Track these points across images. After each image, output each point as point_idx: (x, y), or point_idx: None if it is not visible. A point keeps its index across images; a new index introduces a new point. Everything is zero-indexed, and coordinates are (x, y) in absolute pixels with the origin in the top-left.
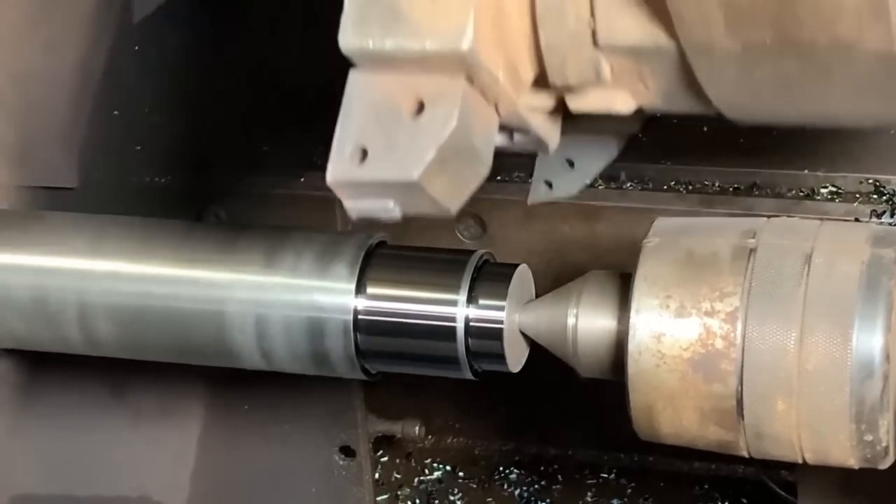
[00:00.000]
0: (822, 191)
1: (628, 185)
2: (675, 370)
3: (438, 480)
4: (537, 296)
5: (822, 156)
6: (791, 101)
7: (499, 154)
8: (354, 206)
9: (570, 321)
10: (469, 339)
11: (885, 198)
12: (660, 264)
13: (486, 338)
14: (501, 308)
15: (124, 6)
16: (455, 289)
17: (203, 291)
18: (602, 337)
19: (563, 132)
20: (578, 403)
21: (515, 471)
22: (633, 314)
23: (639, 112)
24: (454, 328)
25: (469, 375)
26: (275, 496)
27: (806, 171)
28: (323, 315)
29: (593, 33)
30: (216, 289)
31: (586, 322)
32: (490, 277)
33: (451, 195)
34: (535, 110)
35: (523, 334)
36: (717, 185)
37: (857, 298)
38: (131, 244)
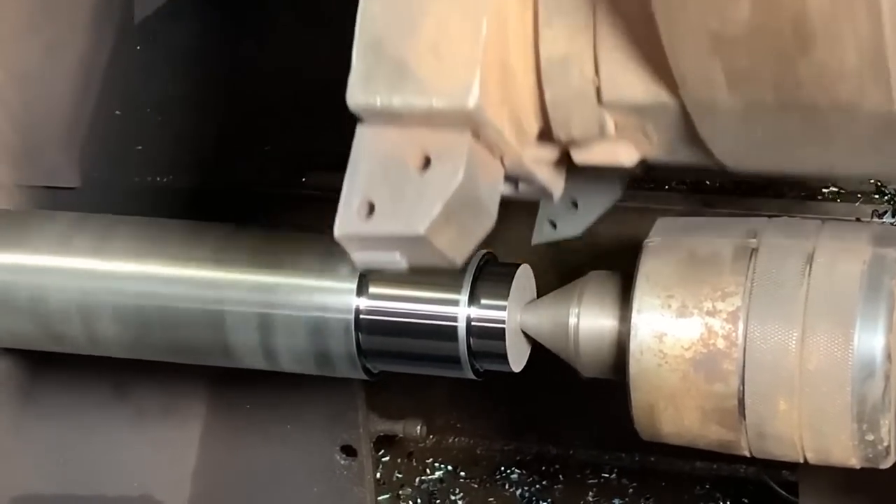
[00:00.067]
0: (824, 191)
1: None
2: (676, 370)
3: (440, 480)
4: (539, 295)
5: None
6: (792, 157)
7: (504, 203)
8: (361, 257)
9: (572, 321)
10: (471, 339)
11: (886, 198)
12: (661, 264)
13: (488, 337)
14: (503, 308)
15: (125, 6)
16: (457, 288)
17: (205, 291)
18: (604, 336)
19: (568, 175)
20: (580, 403)
21: (517, 470)
22: (634, 314)
23: (642, 161)
24: (456, 328)
25: (471, 375)
26: (276, 495)
27: None
28: (324, 314)
29: (597, 90)
30: (218, 288)
31: (588, 322)
32: (491, 277)
33: (457, 247)
34: (539, 162)
35: (525, 334)
36: (718, 184)
37: (859, 298)
38: (133, 244)
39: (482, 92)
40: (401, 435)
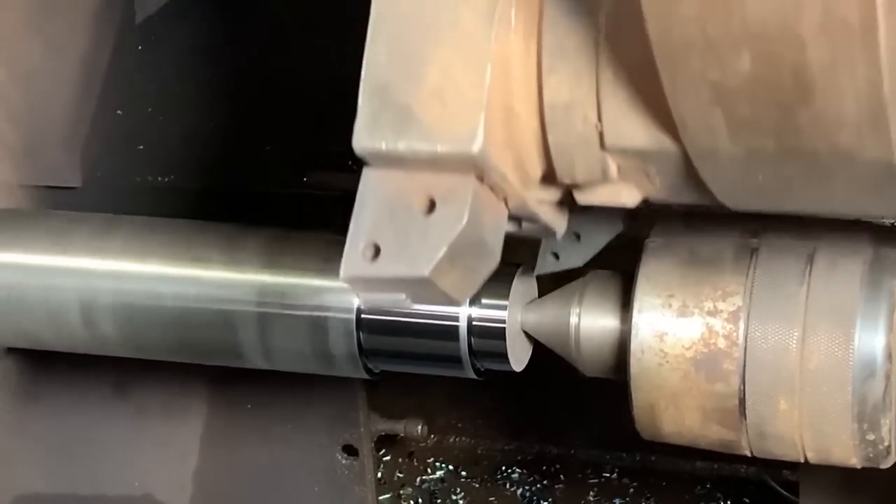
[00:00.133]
0: None
1: None
2: (677, 369)
3: (441, 480)
4: (539, 295)
5: None
6: (792, 199)
7: (508, 241)
8: (367, 297)
9: (573, 320)
10: (472, 339)
11: None
12: (662, 264)
13: (489, 337)
14: (504, 307)
15: (127, 6)
16: None
17: (206, 290)
18: (605, 336)
19: (571, 209)
20: (581, 403)
21: (518, 470)
22: (635, 313)
23: (645, 200)
24: (457, 327)
25: (472, 375)
26: (277, 495)
27: None
28: (326, 314)
29: (600, 135)
30: (219, 288)
31: (589, 321)
32: (492, 277)
33: (461, 287)
34: (543, 203)
35: (526, 333)
36: None
37: (860, 298)
38: (134, 243)
39: (486, 137)
40: (402, 434)
